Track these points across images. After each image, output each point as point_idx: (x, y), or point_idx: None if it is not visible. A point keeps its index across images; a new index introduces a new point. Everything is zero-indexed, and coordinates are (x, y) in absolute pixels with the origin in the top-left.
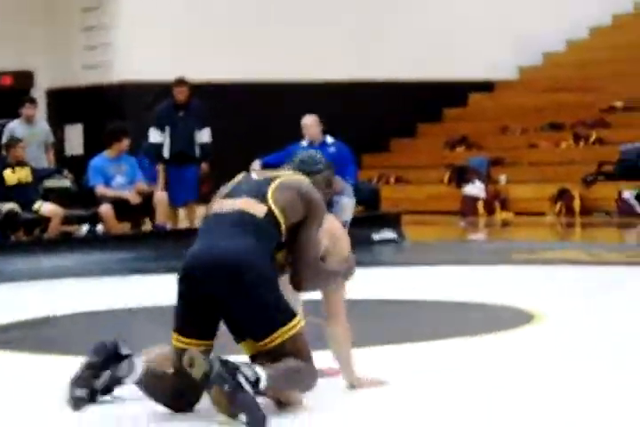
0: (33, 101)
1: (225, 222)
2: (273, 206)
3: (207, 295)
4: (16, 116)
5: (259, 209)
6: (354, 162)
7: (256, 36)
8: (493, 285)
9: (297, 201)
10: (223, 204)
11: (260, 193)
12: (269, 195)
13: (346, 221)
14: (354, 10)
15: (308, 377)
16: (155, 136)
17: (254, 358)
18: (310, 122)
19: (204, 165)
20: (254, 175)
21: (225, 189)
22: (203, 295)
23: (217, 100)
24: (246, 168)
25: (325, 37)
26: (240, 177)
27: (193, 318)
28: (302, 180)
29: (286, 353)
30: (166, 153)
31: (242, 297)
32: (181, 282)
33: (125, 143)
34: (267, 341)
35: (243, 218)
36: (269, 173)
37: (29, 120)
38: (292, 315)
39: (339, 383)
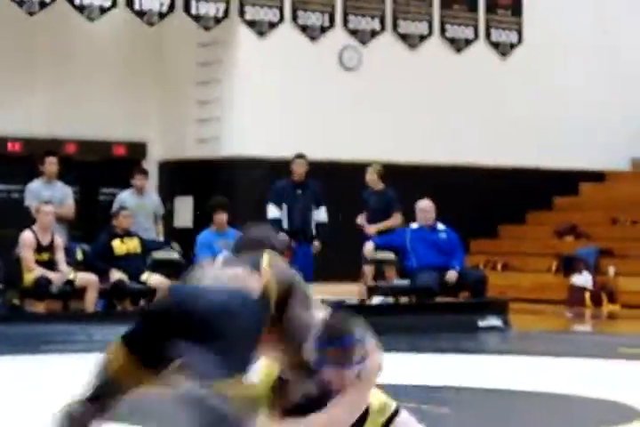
0: (144, 172)
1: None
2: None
3: None
4: (127, 186)
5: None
6: (462, 249)
7: (364, 118)
8: (598, 378)
9: None
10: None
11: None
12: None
13: None
14: (470, 94)
15: None
16: (273, 211)
17: None
18: (425, 206)
19: (317, 244)
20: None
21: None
22: None
23: (325, 180)
24: (357, 249)
25: (440, 121)
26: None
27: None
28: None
29: None
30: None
31: None
32: None
33: (221, 217)
34: None
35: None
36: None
37: (140, 191)
38: None
39: None
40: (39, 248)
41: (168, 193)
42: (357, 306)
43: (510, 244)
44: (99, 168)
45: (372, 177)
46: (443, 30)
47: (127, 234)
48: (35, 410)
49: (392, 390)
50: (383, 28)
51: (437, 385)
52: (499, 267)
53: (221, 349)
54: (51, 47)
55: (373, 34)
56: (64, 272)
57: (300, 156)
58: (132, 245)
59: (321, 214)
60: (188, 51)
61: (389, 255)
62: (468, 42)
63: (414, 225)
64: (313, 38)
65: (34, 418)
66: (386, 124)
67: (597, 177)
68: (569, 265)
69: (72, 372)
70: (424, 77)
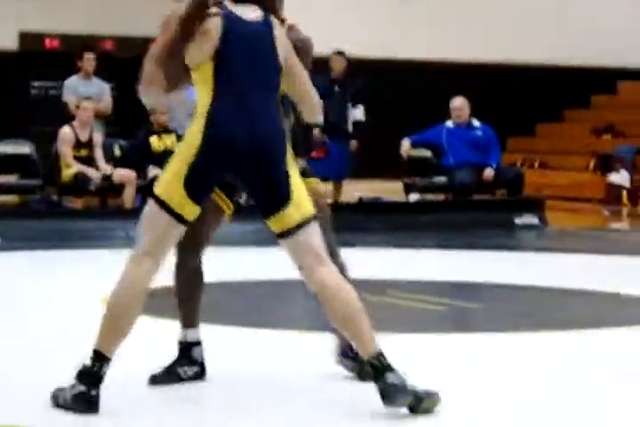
0: None
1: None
2: None
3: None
4: None
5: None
6: (499, 146)
7: (407, 14)
8: (632, 276)
9: None
10: None
11: None
12: None
13: None
14: None
15: None
16: None
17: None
18: (459, 104)
19: (354, 142)
20: None
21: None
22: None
23: (365, 78)
24: (394, 147)
25: (476, 18)
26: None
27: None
28: None
29: None
30: None
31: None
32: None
33: None
34: None
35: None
36: None
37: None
38: None
39: None
40: (78, 144)
41: None
42: (394, 203)
43: (547, 142)
44: (136, 64)
45: None
46: None
47: (165, 131)
48: (75, 299)
49: (426, 286)
50: None
51: (471, 281)
52: (536, 165)
53: None
54: None
55: None
56: (102, 168)
57: (339, 53)
58: (170, 141)
59: (358, 113)
60: None
61: (426, 153)
62: None
63: (449, 123)
64: None
65: (76, 306)
66: (424, 21)
67: (636, 75)
68: (606, 163)
69: (108, 267)
70: None
